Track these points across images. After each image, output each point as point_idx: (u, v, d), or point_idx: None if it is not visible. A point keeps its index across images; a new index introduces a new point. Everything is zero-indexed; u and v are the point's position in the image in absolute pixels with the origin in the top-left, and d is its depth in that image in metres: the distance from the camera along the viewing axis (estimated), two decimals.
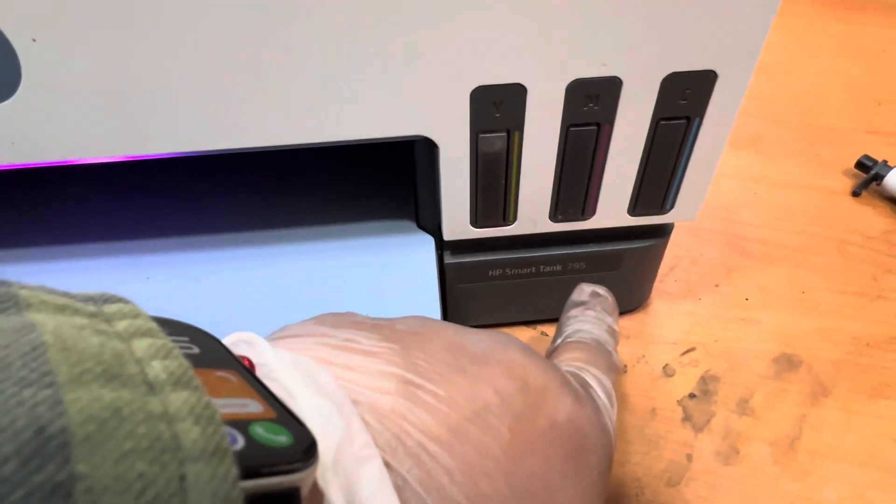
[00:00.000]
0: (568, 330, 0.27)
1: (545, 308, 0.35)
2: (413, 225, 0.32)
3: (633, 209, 0.29)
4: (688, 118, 0.25)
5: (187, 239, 0.31)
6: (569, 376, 0.21)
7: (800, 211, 0.43)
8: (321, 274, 0.30)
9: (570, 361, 0.24)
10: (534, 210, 0.28)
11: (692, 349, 0.35)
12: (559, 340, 0.26)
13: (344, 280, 0.29)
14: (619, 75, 0.23)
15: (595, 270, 0.32)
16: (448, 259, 0.31)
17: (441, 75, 0.22)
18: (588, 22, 0.21)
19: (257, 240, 0.31)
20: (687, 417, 0.33)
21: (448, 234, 0.29)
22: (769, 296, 0.38)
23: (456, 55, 0.22)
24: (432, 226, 0.31)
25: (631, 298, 0.36)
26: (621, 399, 0.33)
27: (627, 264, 0.32)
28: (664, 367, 0.35)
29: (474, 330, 0.20)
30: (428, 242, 0.30)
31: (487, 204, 0.28)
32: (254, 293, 0.29)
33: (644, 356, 0.35)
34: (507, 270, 0.32)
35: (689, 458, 0.31)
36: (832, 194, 0.44)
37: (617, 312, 0.28)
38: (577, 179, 0.27)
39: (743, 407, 0.33)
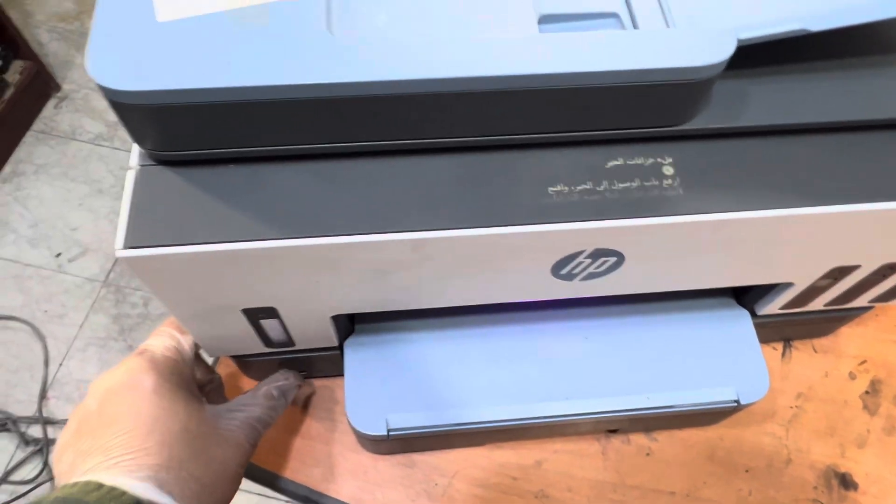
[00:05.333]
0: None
1: None
2: (733, 301, 0.51)
3: None
4: None
5: (581, 311, 0.51)
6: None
7: None
8: (666, 340, 0.49)
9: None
10: None
11: (865, 361, 0.57)
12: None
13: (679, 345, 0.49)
14: None
15: None
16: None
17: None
18: None
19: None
20: (865, 406, 0.56)
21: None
22: None
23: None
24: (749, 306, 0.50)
25: None
26: (828, 396, 0.55)
27: None
28: (849, 373, 0.57)
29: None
30: (745, 316, 0.50)
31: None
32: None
33: (837, 366, 0.57)
34: None
35: (868, 431, 0.54)
36: None
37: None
38: None
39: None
